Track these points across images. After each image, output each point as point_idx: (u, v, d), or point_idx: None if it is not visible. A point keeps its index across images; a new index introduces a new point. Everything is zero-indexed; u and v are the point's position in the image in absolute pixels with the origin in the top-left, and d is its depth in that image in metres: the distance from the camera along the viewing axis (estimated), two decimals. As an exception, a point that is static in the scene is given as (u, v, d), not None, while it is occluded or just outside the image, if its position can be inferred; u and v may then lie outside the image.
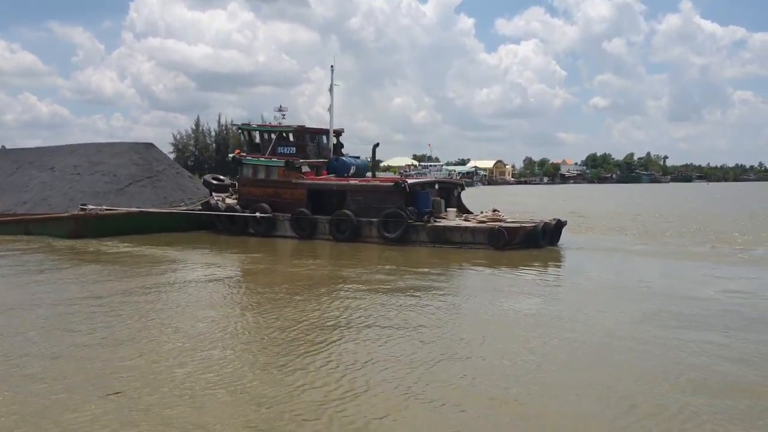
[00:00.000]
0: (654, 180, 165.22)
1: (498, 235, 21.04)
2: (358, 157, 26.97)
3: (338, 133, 26.89)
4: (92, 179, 26.66)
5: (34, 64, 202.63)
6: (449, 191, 25.63)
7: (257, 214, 24.37)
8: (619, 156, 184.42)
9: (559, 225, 22.83)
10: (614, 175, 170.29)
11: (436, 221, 22.51)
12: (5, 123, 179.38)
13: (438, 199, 24.14)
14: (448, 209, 23.78)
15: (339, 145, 26.87)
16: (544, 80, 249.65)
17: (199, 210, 25.76)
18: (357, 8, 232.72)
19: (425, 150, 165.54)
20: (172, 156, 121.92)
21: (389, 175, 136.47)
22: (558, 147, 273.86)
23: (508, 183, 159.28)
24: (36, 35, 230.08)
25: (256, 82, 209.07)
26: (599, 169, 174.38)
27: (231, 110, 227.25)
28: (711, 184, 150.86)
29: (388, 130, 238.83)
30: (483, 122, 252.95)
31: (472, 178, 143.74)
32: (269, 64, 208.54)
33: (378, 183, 23.76)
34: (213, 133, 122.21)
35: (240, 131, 26.12)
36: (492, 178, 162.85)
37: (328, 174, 25.36)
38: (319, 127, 26.71)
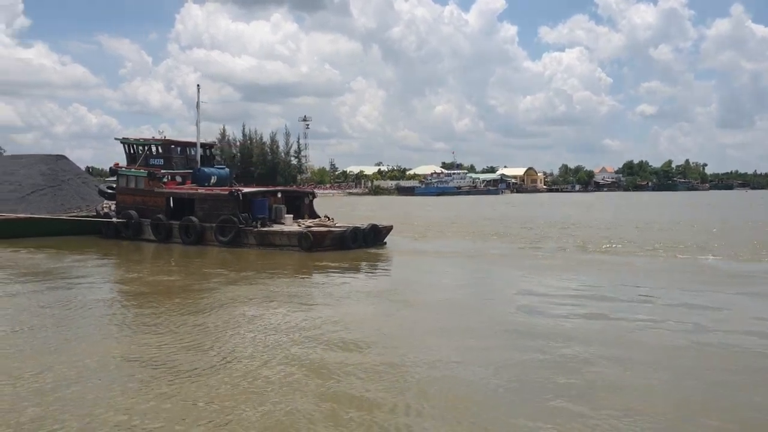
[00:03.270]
0: (691, 188, 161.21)
1: (305, 238, 23.40)
2: (223, 168, 29.66)
3: (208, 146, 29.77)
4: (2, 188, 30.29)
5: (84, 77, 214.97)
6: (299, 199, 28.12)
7: (114, 219, 27.53)
8: (660, 164, 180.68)
9: (376, 229, 25.04)
10: (650, 183, 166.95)
11: (265, 226, 24.94)
12: (56, 134, 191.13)
13: (279, 206, 26.55)
14: (285, 215, 26.19)
15: (209, 157, 29.71)
16: (589, 87, 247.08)
17: (84, 216, 28.91)
18: (399, 18, 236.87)
19: (460, 158, 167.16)
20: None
21: (412, 182, 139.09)
22: (603, 154, 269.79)
23: (538, 191, 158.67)
24: (85, 48, 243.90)
25: (298, 93, 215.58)
26: (635, 177, 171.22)
27: (274, 120, 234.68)
28: (748, 191, 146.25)
29: (428, 138, 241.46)
30: (526, 129, 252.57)
31: (497, 185, 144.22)
32: (312, 74, 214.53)
33: (218, 191, 26.37)
34: (239, 143, 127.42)
35: (122, 143, 29.19)
36: (522, 185, 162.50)
37: (192, 183, 28.19)
38: (194, 141, 29.48)
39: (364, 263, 20.79)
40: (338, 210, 49.89)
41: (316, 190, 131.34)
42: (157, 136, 29.78)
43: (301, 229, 24.05)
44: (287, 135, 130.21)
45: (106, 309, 13.14)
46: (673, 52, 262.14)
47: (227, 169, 30.15)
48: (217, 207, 25.70)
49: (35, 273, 18.32)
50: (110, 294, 15.52)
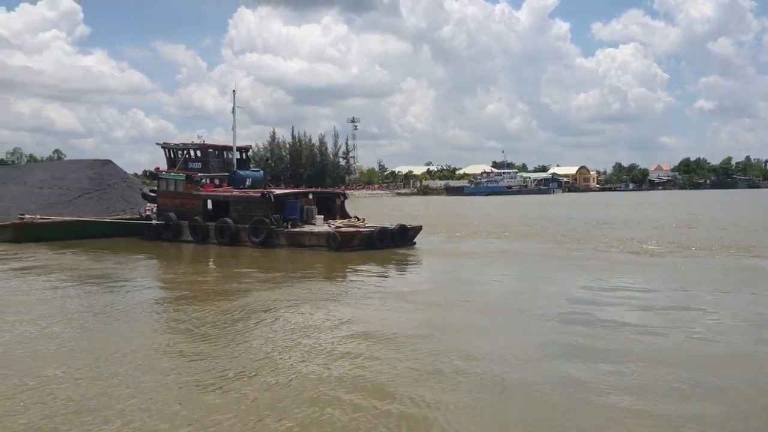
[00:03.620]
0: (753, 185, 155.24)
1: (333, 239, 23.82)
2: (258, 171, 30.32)
3: (244, 150, 30.56)
4: (50, 192, 31.90)
5: (142, 83, 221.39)
6: (331, 200, 28.58)
7: (153, 222, 28.52)
8: (719, 161, 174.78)
9: (404, 230, 25.28)
10: (708, 181, 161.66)
11: (295, 227, 25.46)
12: (116, 139, 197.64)
13: (311, 207, 27.06)
14: (316, 216, 26.69)
15: (245, 160, 30.49)
16: (644, 84, 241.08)
17: (126, 219, 30.06)
18: (449, 17, 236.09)
19: (512, 157, 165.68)
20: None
21: (461, 182, 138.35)
22: (659, 152, 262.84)
23: (591, 190, 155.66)
24: (143, 54, 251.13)
25: (349, 95, 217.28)
26: (692, 175, 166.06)
27: (325, 122, 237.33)
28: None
29: (480, 137, 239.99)
30: (580, 127, 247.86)
31: (548, 185, 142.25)
32: (362, 76, 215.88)
33: (251, 194, 27.00)
34: (288, 146, 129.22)
35: (162, 148, 30.26)
36: (574, 184, 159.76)
37: (228, 186, 29.00)
38: (230, 145, 30.32)
39: (392, 263, 21.04)
40: (381, 210, 50.52)
41: (363, 191, 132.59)
42: (205, 141, 30.65)
43: (329, 230, 24.47)
44: (335, 136, 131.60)
45: (152, 308, 13.82)
46: (734, 45, 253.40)
47: (261, 172, 30.82)
48: (250, 209, 26.36)
49: (81, 275, 19.09)
50: (153, 294, 16.12)
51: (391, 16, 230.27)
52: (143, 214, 30.37)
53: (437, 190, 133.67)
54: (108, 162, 34.68)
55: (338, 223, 26.13)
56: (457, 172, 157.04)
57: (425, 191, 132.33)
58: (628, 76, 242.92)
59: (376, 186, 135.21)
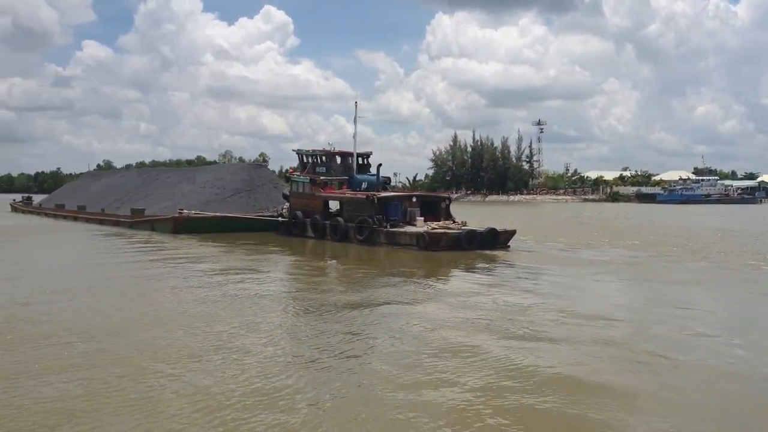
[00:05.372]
0: None
1: (421, 239, 25.47)
2: (374, 175, 32.45)
3: (365, 155, 33.08)
4: (210, 191, 37.11)
5: (344, 89, 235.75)
6: (436, 204, 30.05)
7: (279, 218, 32.04)
8: None
9: (495, 233, 26.12)
10: None
11: (396, 227, 27.40)
12: (320, 143, 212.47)
13: (414, 209, 28.76)
14: (418, 218, 28.31)
15: (364, 165, 32.96)
16: None
17: (259, 215, 34.00)
18: (656, 14, 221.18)
19: (722, 163, 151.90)
20: (430, 171, 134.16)
21: (654, 189, 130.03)
22: None
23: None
24: (345, 63, 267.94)
25: (545, 97, 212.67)
26: None
27: (520, 125, 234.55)
28: None
29: (688, 141, 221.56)
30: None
31: (753, 193, 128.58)
32: (560, 77, 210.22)
33: (359, 196, 29.33)
34: (469, 149, 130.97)
35: (297, 154, 33.86)
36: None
37: (347, 188, 31.69)
38: (349, 150, 33.05)
39: (479, 264, 22.02)
40: (548, 218, 49.70)
41: (547, 196, 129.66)
42: (335, 148, 33.68)
43: (417, 231, 26.10)
44: (519, 140, 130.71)
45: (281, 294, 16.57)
46: None
47: (375, 176, 32.63)
48: (358, 209, 28.80)
49: (219, 261, 22.92)
50: (281, 278, 19.28)
51: (593, 15, 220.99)
52: (280, 212, 34.19)
53: (627, 197, 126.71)
54: (260, 166, 39.42)
55: (435, 225, 27.52)
56: (653, 178, 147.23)
57: (614, 198, 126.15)
58: None
59: (561, 191, 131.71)
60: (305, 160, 33.49)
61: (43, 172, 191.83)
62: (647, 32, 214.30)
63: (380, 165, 32.43)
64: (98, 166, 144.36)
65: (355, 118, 32.87)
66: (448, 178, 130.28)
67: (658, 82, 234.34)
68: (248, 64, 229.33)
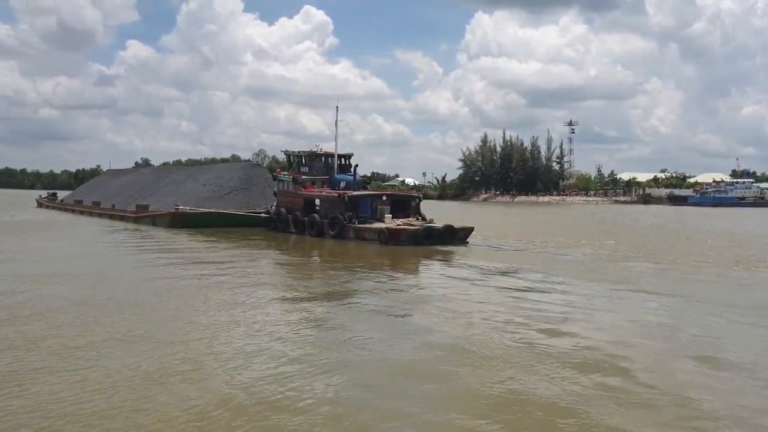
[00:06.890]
0: None
1: (382, 234, 27.21)
2: (352, 175, 34.08)
3: (347, 156, 34.91)
4: (209, 189, 39.44)
5: (381, 89, 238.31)
6: (406, 202, 31.64)
7: (263, 215, 34.10)
8: None
9: (452, 229, 27.76)
10: None
11: (364, 224, 29.12)
12: (356, 142, 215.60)
13: (384, 207, 30.40)
14: (386, 215, 29.91)
15: (345, 166, 34.77)
16: None
17: (247, 212, 36.09)
18: (700, 13, 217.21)
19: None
20: (458, 171, 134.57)
21: (686, 192, 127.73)
22: None
23: None
24: (383, 62, 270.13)
25: (585, 96, 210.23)
26: None
27: (559, 125, 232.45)
28: None
29: (733, 142, 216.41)
30: None
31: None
32: (600, 77, 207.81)
33: (333, 194, 31.15)
34: (499, 149, 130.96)
35: (285, 154, 36.04)
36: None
37: (327, 187, 33.53)
38: (342, 152, 35.04)
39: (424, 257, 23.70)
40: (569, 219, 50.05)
41: (577, 197, 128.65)
42: (322, 149, 35.59)
43: (377, 227, 27.88)
44: (549, 140, 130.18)
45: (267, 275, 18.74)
46: None
47: (352, 176, 34.18)
48: (332, 207, 30.64)
49: (208, 251, 25.15)
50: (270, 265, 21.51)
51: (636, 14, 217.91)
52: (269, 210, 36.27)
53: (659, 199, 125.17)
54: (256, 165, 41.59)
55: (399, 222, 29.13)
56: (688, 180, 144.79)
57: (646, 200, 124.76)
58: None
59: (592, 192, 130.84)
60: (292, 160, 35.52)
61: (83, 169, 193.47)
62: (691, 31, 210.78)
63: (356, 165, 34.30)
64: (136, 163, 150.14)
65: (336, 121, 34.77)
66: (477, 178, 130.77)
67: (703, 82, 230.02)
68: (287, 64, 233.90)
